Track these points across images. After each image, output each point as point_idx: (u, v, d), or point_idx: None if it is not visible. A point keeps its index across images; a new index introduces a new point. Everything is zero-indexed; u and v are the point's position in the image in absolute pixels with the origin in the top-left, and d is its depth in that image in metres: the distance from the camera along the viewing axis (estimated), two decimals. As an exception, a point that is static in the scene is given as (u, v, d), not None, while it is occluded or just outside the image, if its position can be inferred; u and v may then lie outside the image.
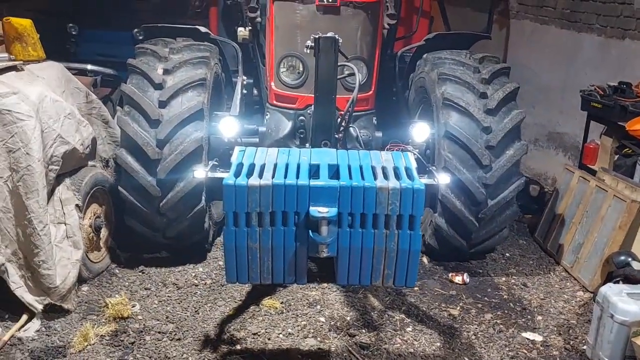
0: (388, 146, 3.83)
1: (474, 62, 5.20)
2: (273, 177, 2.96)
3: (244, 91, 5.55)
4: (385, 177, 3.02)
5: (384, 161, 3.22)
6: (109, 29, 9.13)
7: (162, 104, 4.72)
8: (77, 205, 4.55)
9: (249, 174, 3.01)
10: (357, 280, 3.07)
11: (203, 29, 5.51)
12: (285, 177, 2.96)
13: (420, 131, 4.23)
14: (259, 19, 5.54)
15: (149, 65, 4.92)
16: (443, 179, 3.39)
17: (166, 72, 4.87)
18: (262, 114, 5.72)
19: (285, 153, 3.28)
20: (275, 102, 4.91)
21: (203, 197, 4.85)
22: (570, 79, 7.15)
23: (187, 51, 5.13)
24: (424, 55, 5.54)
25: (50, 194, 4.35)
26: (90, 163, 5.03)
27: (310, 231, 2.89)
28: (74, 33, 9.10)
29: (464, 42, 5.91)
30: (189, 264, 5.18)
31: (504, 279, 5.26)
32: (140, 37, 8.86)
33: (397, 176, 3.03)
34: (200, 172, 3.48)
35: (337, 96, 3.89)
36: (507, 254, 5.76)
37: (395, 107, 5.69)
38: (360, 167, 3.10)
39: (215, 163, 3.52)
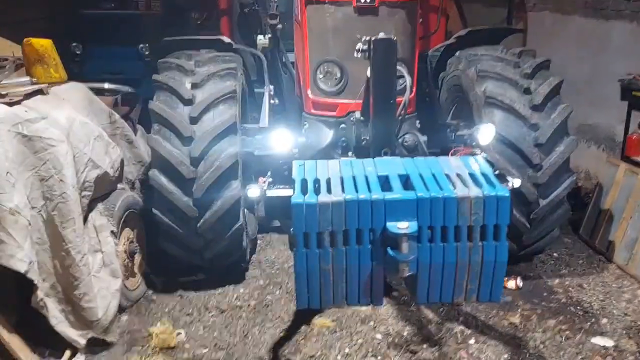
0: (452, 151, 3.59)
1: (513, 57, 4.99)
2: (343, 192, 2.73)
3: (272, 101, 5.34)
4: (464, 185, 2.79)
5: (456, 167, 2.99)
6: (113, 45, 8.92)
7: (194, 120, 4.49)
8: (112, 231, 4.32)
9: (316, 190, 2.78)
10: (438, 298, 2.84)
11: (226, 39, 5.30)
12: (357, 191, 2.73)
13: (485, 133, 4.00)
14: (279, 26, 5.33)
15: (175, 80, 4.70)
16: (517, 182, 3.15)
17: (194, 86, 4.65)
18: (285, 123, 5.53)
19: (348, 165, 3.05)
20: (313, 110, 4.69)
21: (241, 215, 4.62)
22: (600, 70, 6.93)
23: (213, 63, 4.92)
24: (457, 53, 5.34)
25: (84, 221, 4.12)
26: (119, 186, 4.80)
27: (389, 249, 2.66)
28: (77, 52, 8.88)
29: (494, 37, 5.70)
30: (228, 285, 4.95)
31: (557, 280, 5.03)
32: (147, 52, 8.69)
33: (476, 183, 2.80)
34: (255, 191, 3.24)
35: None
36: (555, 254, 5.53)
37: (429, 108, 5.47)
38: (434, 176, 2.87)
39: (270, 180, 3.29)
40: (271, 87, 5.39)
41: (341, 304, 2.84)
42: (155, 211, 4.56)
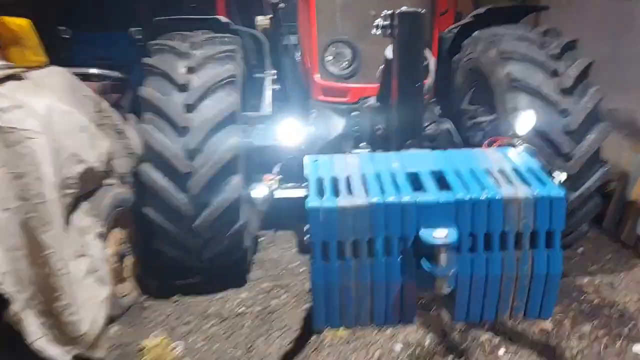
0: (487, 141, 3.15)
1: (538, 36, 4.55)
2: (367, 193, 2.30)
3: (274, 87, 4.90)
4: (510, 183, 2.36)
5: (496, 161, 2.56)
6: (103, 30, 8.49)
7: (190, 108, 4.05)
8: (99, 233, 3.89)
9: (335, 191, 2.35)
10: (479, 316, 2.43)
11: (223, 19, 4.85)
12: (383, 192, 2.30)
13: (524, 121, 3.56)
14: (281, 5, 4.88)
15: (168, 63, 4.25)
16: (563, 176, 2.72)
17: (190, 70, 4.20)
18: (289, 110, 5.11)
19: (369, 160, 2.61)
20: (321, 96, 4.24)
21: (242, 212, 4.19)
22: (621, 51, 6.50)
23: (210, 45, 4.46)
24: (474, 33, 4.90)
25: (67, 222, 3.69)
26: (107, 181, 4.35)
27: (423, 261, 2.23)
28: (66, 37, 8.43)
29: (514, 15, 5.27)
30: (229, 288, 4.54)
31: (586, 279, 4.63)
32: (138, 37, 8.26)
33: (523, 180, 2.37)
34: (261, 190, 2.81)
35: None
36: (580, 249, 5.13)
37: (444, 94, 5.03)
38: (472, 172, 2.44)
39: (279, 177, 2.85)
40: (273, 71, 4.95)
41: (365, 323, 2.42)
42: (147, 209, 4.13)
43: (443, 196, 2.26)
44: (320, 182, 2.43)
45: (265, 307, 4.29)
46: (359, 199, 2.25)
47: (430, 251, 2.18)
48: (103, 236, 3.94)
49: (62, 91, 4.00)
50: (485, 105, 4.74)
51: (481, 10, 5.05)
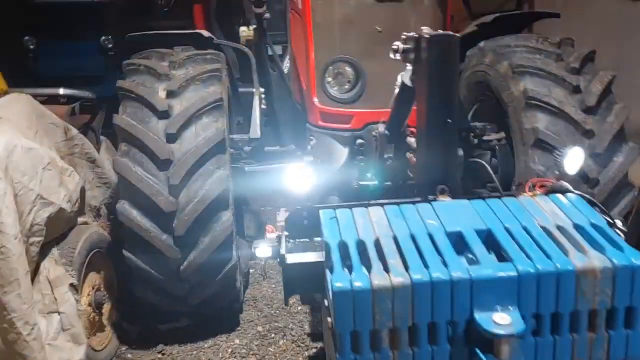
0: (528, 184, 2.65)
1: (554, 48, 4.16)
2: (406, 266, 1.85)
3: (262, 106, 4.46)
4: (577, 247, 1.93)
5: (551, 215, 2.13)
6: (72, 39, 7.91)
7: (172, 138, 3.60)
8: (71, 284, 3.40)
9: (366, 263, 1.89)
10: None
11: (205, 34, 4.39)
12: (425, 264, 1.85)
13: (573, 159, 3.12)
14: (267, 15, 4.44)
15: (146, 87, 3.79)
16: (619, 223, 2.31)
17: (170, 94, 3.75)
18: (277, 132, 4.67)
19: (398, 215, 2.16)
20: (321, 122, 3.79)
21: (234, 251, 3.75)
22: (627, 56, 6.19)
23: (192, 64, 4.01)
24: (480, 44, 4.50)
25: (34, 274, 3.21)
26: (80, 220, 3.85)
27: (478, 351, 1.80)
28: (31, 47, 7.85)
29: (518, 23, 4.91)
30: (219, 334, 4.07)
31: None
32: (110, 46, 7.77)
33: (593, 244, 1.95)
34: (264, 250, 2.35)
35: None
36: (597, 275, 4.74)
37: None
38: (527, 231, 2.01)
39: (286, 233, 2.38)
40: (261, 89, 4.50)
41: None
42: (126, 253, 3.66)
43: (502, 268, 1.82)
44: (343, 249, 1.97)
45: (262, 356, 3.83)
46: (398, 275, 1.80)
47: (490, 342, 1.75)
48: (76, 287, 3.45)
49: (24, 122, 3.50)
50: (491, 121, 4.36)
51: (488, 18, 4.64)
